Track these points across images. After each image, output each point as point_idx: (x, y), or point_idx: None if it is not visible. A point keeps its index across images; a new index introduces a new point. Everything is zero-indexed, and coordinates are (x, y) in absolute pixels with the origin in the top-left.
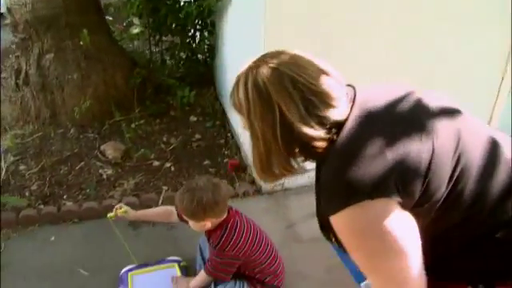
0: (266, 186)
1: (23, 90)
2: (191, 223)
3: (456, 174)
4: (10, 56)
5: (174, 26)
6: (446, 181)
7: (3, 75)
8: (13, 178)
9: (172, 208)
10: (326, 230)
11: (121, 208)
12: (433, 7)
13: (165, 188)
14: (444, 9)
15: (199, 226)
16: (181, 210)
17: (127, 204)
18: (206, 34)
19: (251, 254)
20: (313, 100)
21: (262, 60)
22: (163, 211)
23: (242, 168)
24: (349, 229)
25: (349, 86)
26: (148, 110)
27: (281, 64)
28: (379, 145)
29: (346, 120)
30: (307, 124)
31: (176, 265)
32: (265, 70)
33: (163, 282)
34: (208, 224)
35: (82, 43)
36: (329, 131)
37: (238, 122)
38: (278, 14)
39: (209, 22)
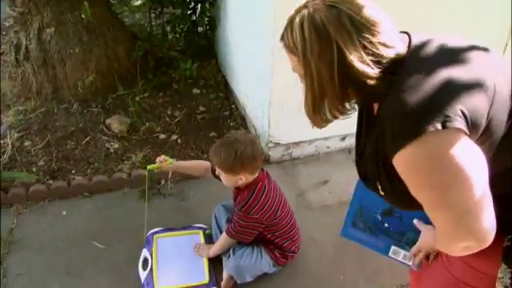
0: (274, 155)
1: (24, 66)
2: (225, 177)
3: None
4: (4, 33)
5: None
6: (505, 119)
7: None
8: (19, 154)
9: (207, 163)
10: (371, 180)
11: (166, 160)
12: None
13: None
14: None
15: (233, 181)
16: (217, 163)
17: (137, 176)
18: (207, 5)
19: (274, 218)
20: (370, 38)
21: None
22: (200, 164)
23: None
24: (419, 163)
25: (402, 31)
26: (151, 83)
27: (338, 2)
28: (445, 80)
29: (405, 59)
30: (364, 62)
31: (201, 232)
32: (321, 8)
33: (186, 247)
34: (242, 179)
35: (83, 16)
36: (385, 70)
37: (241, 93)
38: None
39: None
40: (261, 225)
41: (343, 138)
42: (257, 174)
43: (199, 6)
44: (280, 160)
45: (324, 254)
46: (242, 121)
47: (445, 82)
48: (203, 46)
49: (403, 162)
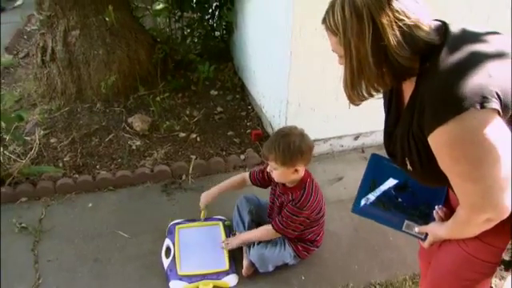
0: None
1: (49, 67)
2: (281, 172)
3: None
4: (25, 37)
5: (195, 2)
6: None
7: (21, 55)
8: (45, 150)
9: (244, 174)
10: (399, 156)
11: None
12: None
13: (193, 157)
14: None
15: (288, 174)
16: (275, 157)
17: (159, 172)
18: (224, 10)
19: (318, 213)
20: (406, 21)
21: None
22: (238, 180)
23: (265, 137)
24: (457, 138)
25: (437, 20)
26: (170, 84)
27: None
28: (481, 63)
29: (442, 44)
30: (400, 43)
31: (220, 223)
32: None
33: (206, 237)
34: (298, 170)
35: (107, 20)
36: (420, 53)
37: (258, 94)
38: None
39: None
40: (308, 220)
41: (356, 138)
42: (304, 169)
43: (217, 11)
44: None
45: (339, 245)
46: (258, 120)
47: (482, 66)
48: (220, 49)
49: (443, 137)
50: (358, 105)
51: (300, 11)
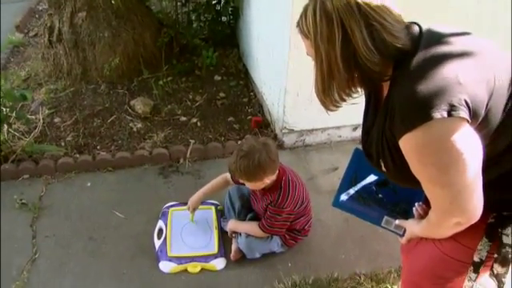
0: (288, 141)
1: (56, 47)
2: (251, 185)
3: (509, 104)
4: (37, 16)
5: None
6: (501, 110)
7: (32, 34)
8: (48, 129)
9: (226, 175)
10: (375, 157)
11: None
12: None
13: (192, 141)
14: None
15: (259, 186)
16: (239, 175)
17: (158, 154)
18: None
19: (302, 204)
20: (376, 26)
21: None
22: (221, 182)
23: (264, 124)
24: (424, 145)
25: (411, 22)
26: (175, 68)
27: None
28: (452, 70)
29: (415, 49)
30: (369, 48)
31: (213, 207)
32: None
33: (199, 220)
34: (266, 181)
35: (113, 2)
36: (390, 58)
37: (260, 81)
38: None
39: None
40: (292, 215)
41: (355, 129)
42: (277, 171)
43: None
44: (293, 146)
45: (328, 234)
46: (259, 107)
47: (452, 72)
48: (226, 34)
49: (411, 142)
50: (333, 110)
51: (299, 1)
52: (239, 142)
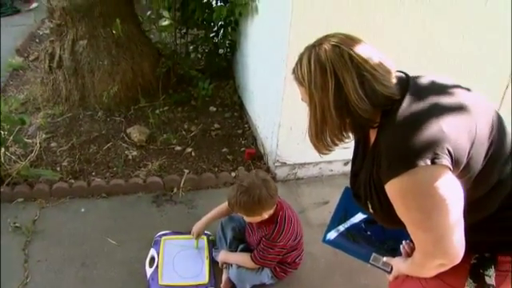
0: (280, 174)
1: (56, 73)
2: (249, 219)
3: (489, 152)
4: (37, 40)
5: (200, 20)
6: (482, 158)
7: (31, 58)
8: (45, 153)
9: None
10: (363, 198)
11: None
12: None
13: (186, 171)
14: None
15: (256, 219)
16: (238, 210)
17: (152, 183)
18: (229, 30)
19: (295, 240)
20: (367, 76)
21: (325, 39)
22: (224, 209)
23: (257, 157)
24: (409, 190)
25: (400, 71)
26: (171, 98)
27: (341, 43)
28: (436, 120)
29: (401, 97)
30: (360, 96)
31: (205, 237)
32: (327, 47)
33: (190, 249)
34: (265, 216)
35: (114, 32)
36: (379, 105)
37: (255, 114)
38: (303, 19)
39: (233, 19)
40: (285, 250)
41: (346, 163)
42: (275, 206)
43: (222, 29)
44: (285, 179)
45: (317, 267)
46: (253, 140)
47: (436, 122)
48: (223, 67)
49: (396, 187)
50: (326, 154)
51: (295, 39)
52: (232, 174)
